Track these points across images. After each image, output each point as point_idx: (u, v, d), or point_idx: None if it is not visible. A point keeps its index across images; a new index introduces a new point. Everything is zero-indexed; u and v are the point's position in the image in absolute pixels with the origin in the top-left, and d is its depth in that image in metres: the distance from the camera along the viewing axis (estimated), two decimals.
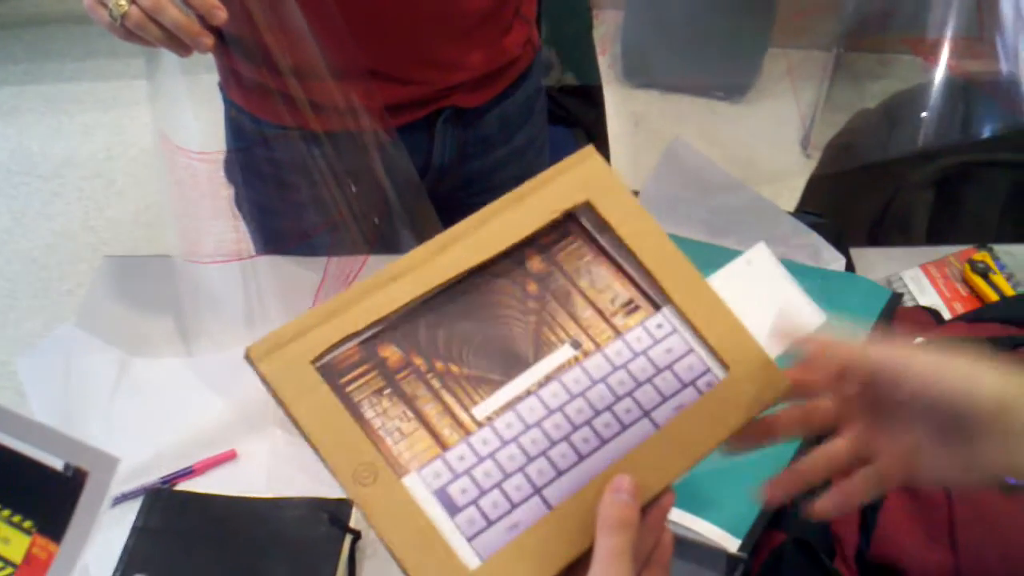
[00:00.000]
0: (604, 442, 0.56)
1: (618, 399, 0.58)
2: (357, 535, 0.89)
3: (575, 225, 0.62)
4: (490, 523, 0.53)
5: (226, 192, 1.19)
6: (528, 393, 0.57)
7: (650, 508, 0.54)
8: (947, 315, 1.07)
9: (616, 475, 0.53)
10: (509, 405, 0.56)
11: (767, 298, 0.99)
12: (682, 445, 0.57)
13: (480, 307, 0.58)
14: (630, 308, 0.61)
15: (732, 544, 0.79)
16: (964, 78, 1.59)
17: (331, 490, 0.73)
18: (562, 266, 0.61)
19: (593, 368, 0.58)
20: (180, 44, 0.82)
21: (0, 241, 2.58)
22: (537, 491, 0.54)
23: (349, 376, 0.55)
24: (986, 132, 1.54)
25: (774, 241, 1.10)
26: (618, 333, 0.60)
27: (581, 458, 0.56)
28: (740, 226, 1.10)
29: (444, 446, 0.54)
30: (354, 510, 0.90)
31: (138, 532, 0.89)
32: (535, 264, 0.61)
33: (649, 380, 0.59)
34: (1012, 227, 1.44)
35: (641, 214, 0.62)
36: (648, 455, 0.56)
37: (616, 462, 0.56)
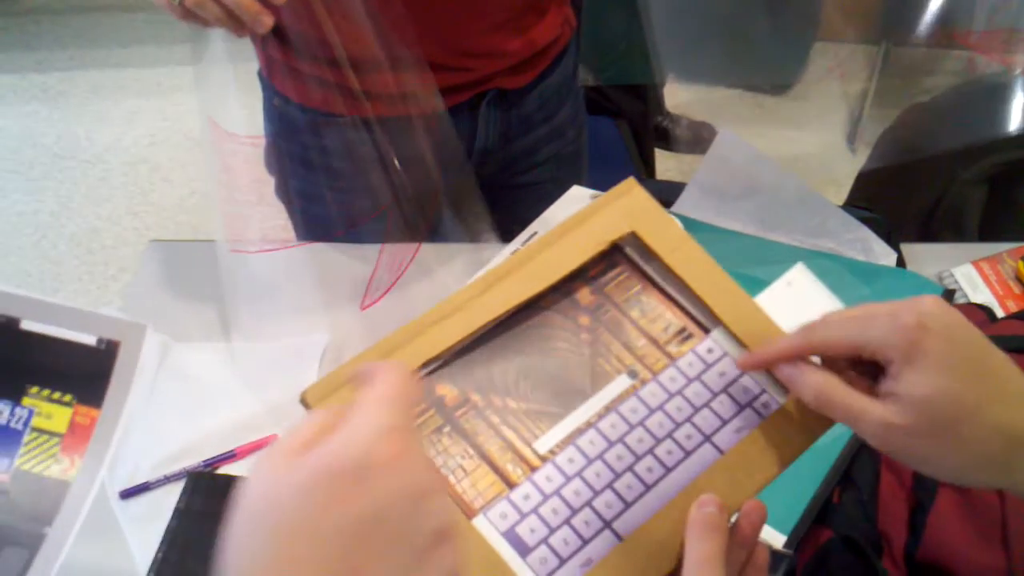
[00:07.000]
0: (669, 470, 0.56)
1: (678, 426, 0.57)
2: None
3: (621, 256, 0.62)
4: (563, 561, 0.52)
5: (271, 180, 1.19)
6: (588, 425, 0.56)
7: (737, 524, 0.53)
8: (1000, 313, 1.05)
9: (700, 495, 0.52)
10: (570, 439, 0.56)
11: (811, 318, 0.98)
12: (748, 469, 0.56)
13: (534, 341, 0.58)
14: (683, 336, 0.60)
15: (777, 540, 0.78)
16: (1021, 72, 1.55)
17: None
18: (612, 297, 0.61)
19: (649, 396, 0.58)
20: (238, 23, 0.80)
21: (46, 225, 2.62)
22: (607, 525, 0.54)
23: None
24: None
25: (824, 235, 1.08)
26: (671, 360, 0.59)
27: (648, 488, 0.55)
28: (789, 220, 1.09)
29: (508, 482, 0.54)
30: None
31: (180, 514, 0.90)
32: (584, 296, 0.61)
33: (706, 405, 0.58)
34: None
35: (687, 241, 0.62)
36: (715, 480, 0.55)
37: (684, 489, 0.55)
